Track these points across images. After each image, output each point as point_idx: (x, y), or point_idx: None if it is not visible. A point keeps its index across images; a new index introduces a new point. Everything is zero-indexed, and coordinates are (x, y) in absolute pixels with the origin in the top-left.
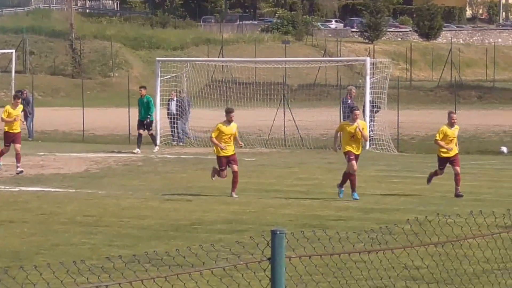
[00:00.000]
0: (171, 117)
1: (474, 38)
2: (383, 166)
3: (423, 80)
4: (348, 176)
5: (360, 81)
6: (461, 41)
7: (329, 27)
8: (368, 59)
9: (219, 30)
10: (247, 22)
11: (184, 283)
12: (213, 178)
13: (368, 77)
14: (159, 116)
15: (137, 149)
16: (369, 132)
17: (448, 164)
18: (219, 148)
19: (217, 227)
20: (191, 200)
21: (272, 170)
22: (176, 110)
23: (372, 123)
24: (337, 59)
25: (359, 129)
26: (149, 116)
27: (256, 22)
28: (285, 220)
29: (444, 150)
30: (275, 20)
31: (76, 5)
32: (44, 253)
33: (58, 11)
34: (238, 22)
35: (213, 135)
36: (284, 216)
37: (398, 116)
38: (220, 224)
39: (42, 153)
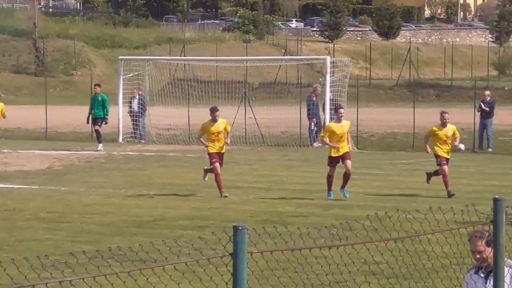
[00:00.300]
0: (133, 115)
1: (432, 38)
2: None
3: (382, 78)
4: (328, 177)
5: (321, 79)
6: (420, 40)
7: (290, 26)
8: (328, 58)
9: (181, 29)
10: (208, 21)
11: (147, 278)
12: (206, 178)
13: (328, 76)
14: (121, 114)
15: (99, 147)
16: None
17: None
18: (206, 145)
19: (179, 223)
20: (153, 197)
21: (233, 167)
22: (138, 108)
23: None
24: (297, 58)
25: (348, 149)
26: (107, 117)
27: (217, 21)
28: (246, 216)
29: (440, 146)
30: (236, 20)
31: (39, 4)
32: (8, 249)
33: (21, 10)
34: (200, 22)
35: (200, 134)
36: (245, 212)
37: (357, 114)
38: (182, 220)
39: (6, 151)
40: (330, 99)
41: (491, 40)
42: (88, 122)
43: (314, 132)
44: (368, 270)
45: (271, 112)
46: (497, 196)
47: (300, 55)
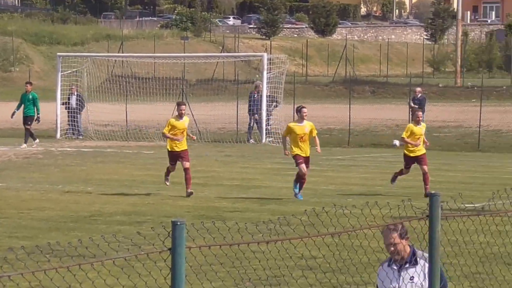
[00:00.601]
0: (71, 111)
1: (368, 35)
2: (279, 159)
3: (318, 75)
4: (299, 178)
5: (257, 76)
6: (356, 38)
7: (227, 23)
8: (265, 55)
9: (119, 26)
10: (146, 18)
11: (86, 273)
12: (167, 183)
13: (265, 73)
14: (59, 110)
15: (35, 142)
16: (266, 126)
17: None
18: (174, 140)
19: (116, 219)
20: (91, 192)
21: None
22: (76, 104)
23: (269, 117)
24: (234, 54)
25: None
26: (39, 116)
27: (155, 18)
28: (183, 211)
29: (411, 148)
30: (174, 17)
31: None
32: None
33: None
34: (138, 19)
35: (165, 130)
36: (182, 207)
37: (294, 110)
38: (119, 216)
39: None
40: (267, 95)
41: (426, 37)
42: (12, 117)
43: (252, 129)
44: (305, 265)
45: (208, 108)
46: (433, 191)
47: (237, 52)
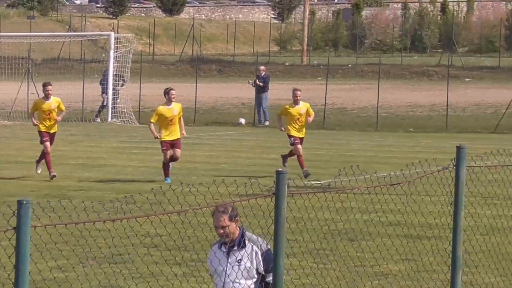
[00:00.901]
0: None
1: (216, 14)
2: (124, 138)
3: (165, 54)
4: (163, 165)
5: (104, 55)
6: (204, 17)
7: (74, 2)
8: (112, 34)
9: None
10: None
11: None
12: (38, 170)
13: (112, 52)
14: None
15: None
16: (113, 105)
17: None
18: (34, 124)
19: None
20: None
21: (14, 142)
22: None
23: (116, 95)
24: (81, 34)
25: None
26: None
27: None
28: (27, 190)
29: (293, 127)
30: None
31: None
32: None
33: None
34: None
35: (31, 111)
36: (25, 186)
37: (140, 89)
38: None
39: None
40: (114, 74)
41: (273, 16)
42: None
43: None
44: (150, 242)
45: (54, 88)
46: (279, 169)
47: (84, 32)
